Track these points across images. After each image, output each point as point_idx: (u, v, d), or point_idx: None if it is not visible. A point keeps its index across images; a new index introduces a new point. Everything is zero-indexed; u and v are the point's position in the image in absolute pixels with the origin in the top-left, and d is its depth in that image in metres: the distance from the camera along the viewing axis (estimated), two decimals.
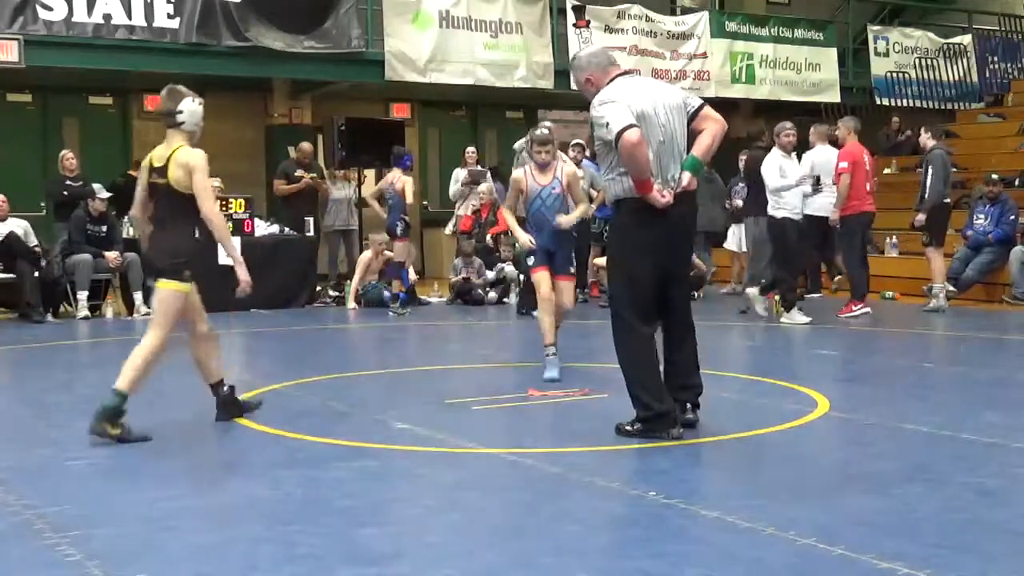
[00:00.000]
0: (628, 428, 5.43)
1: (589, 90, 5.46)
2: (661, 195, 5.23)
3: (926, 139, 11.78)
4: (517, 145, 11.87)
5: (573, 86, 16.36)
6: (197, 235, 5.66)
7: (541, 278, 7.29)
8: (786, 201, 10.34)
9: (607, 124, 5.17)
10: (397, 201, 11.80)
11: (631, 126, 5.09)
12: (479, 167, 14.42)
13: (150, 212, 5.74)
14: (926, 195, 11.33)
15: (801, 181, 10.39)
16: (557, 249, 7.33)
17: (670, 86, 5.84)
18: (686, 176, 5.33)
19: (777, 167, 10.35)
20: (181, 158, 5.51)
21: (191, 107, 5.63)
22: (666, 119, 5.31)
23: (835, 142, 11.54)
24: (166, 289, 5.57)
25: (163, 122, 5.66)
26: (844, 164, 10.82)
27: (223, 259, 11.66)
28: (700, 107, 5.44)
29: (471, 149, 14.78)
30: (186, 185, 5.51)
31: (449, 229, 14.64)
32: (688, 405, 5.56)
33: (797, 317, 10.36)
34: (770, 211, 10.43)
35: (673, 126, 5.33)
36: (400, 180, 11.81)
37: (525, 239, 7.31)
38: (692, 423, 5.54)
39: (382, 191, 12.26)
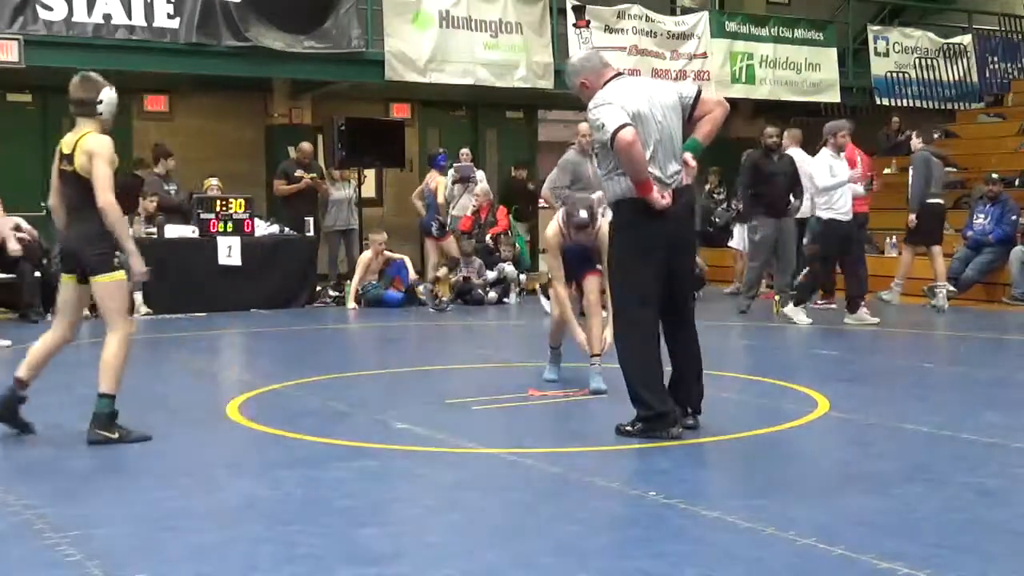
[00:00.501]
0: (628, 428, 5.43)
1: (585, 93, 5.47)
2: (661, 196, 5.24)
3: (916, 142, 12.04)
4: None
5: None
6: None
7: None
8: (835, 202, 10.27)
9: (602, 125, 5.19)
10: (432, 201, 11.90)
11: (625, 125, 5.11)
12: (468, 163, 14.46)
13: (63, 199, 5.65)
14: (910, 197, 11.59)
15: (852, 179, 10.35)
16: (580, 258, 6.97)
17: (664, 83, 5.83)
18: (688, 156, 5.36)
19: (827, 167, 10.29)
20: (86, 145, 5.41)
21: (110, 96, 5.54)
22: (663, 117, 5.32)
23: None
24: (103, 283, 5.48)
25: (77, 111, 5.55)
26: None
27: (223, 259, 11.90)
28: (698, 94, 5.43)
29: (465, 151, 14.81)
30: (90, 172, 5.41)
31: None
32: (689, 409, 5.58)
33: (800, 316, 10.34)
34: (818, 211, 10.37)
35: (670, 124, 5.34)
36: (434, 180, 11.92)
37: (582, 336, 6.83)
38: (692, 427, 5.55)
39: (422, 191, 12.38)
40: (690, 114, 5.40)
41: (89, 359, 9.21)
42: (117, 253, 5.60)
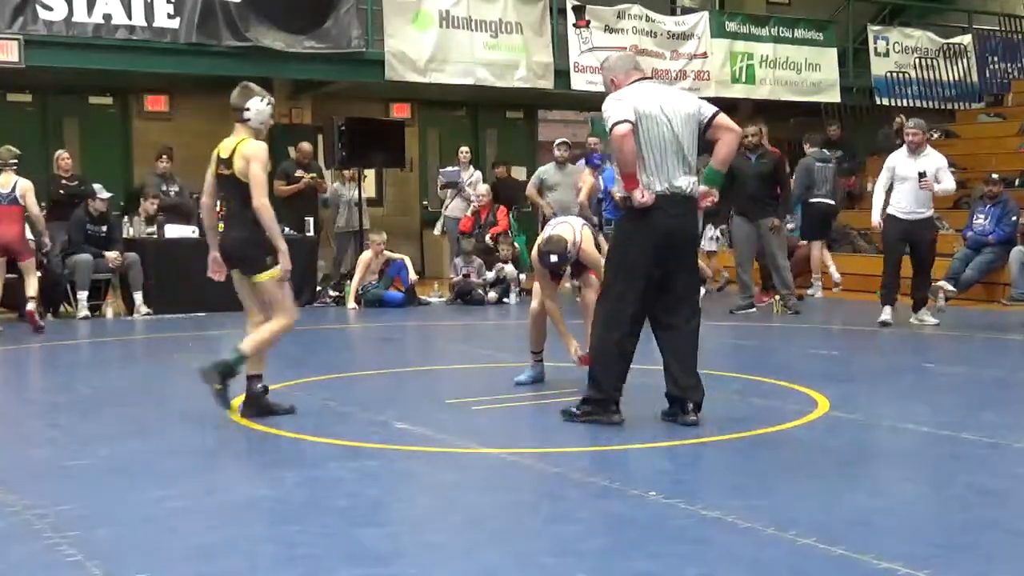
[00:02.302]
0: (573, 411, 5.65)
1: (612, 90, 5.72)
2: (643, 195, 5.44)
3: (806, 147, 12.98)
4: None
5: (574, 86, 16.27)
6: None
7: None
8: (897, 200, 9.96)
9: (608, 118, 5.47)
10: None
11: (624, 121, 5.38)
12: (456, 168, 14.53)
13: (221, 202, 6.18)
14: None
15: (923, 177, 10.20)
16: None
17: (686, 94, 6.08)
18: (704, 189, 5.66)
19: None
20: (244, 150, 5.86)
21: (258, 106, 6.02)
22: (679, 124, 5.52)
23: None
24: (261, 281, 5.92)
25: (234, 116, 6.05)
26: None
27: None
28: (714, 115, 5.64)
29: (464, 149, 14.83)
30: (247, 175, 5.83)
31: (438, 230, 14.68)
32: (690, 406, 5.64)
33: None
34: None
35: (681, 132, 5.53)
36: (583, 179, 12.21)
37: (573, 345, 6.91)
38: (694, 424, 5.60)
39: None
40: (704, 131, 5.63)
41: (89, 360, 9.25)
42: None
